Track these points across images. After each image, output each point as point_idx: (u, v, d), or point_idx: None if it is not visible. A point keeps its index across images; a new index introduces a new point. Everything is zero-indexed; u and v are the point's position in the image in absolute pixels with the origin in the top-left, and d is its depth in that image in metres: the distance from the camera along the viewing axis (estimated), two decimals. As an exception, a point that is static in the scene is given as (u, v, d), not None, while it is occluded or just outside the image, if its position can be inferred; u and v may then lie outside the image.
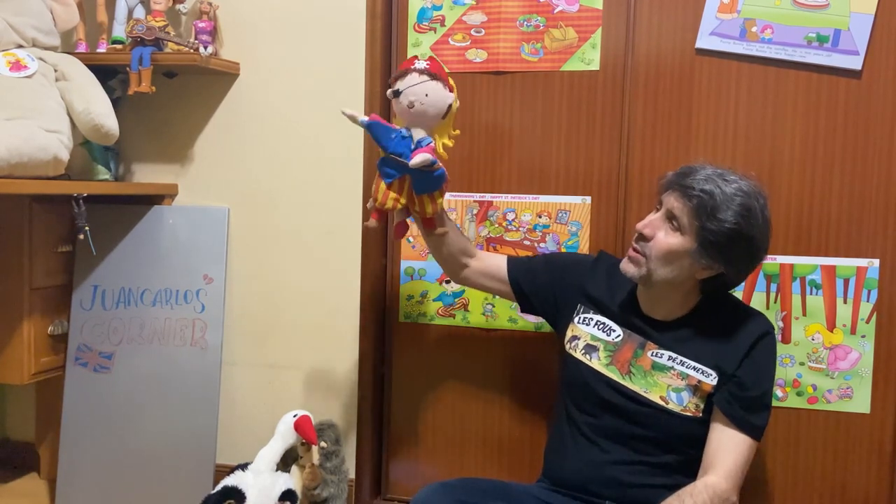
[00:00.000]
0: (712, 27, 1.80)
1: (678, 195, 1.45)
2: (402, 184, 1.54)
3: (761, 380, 1.48)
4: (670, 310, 1.54)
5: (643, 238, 1.48)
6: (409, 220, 1.70)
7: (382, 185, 1.55)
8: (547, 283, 1.69)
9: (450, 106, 1.52)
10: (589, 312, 1.62)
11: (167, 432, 2.07)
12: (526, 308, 1.76)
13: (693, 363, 1.49)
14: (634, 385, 1.52)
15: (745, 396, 1.45)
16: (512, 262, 1.74)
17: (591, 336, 1.60)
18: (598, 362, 1.57)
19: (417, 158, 1.46)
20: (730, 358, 1.47)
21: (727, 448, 1.44)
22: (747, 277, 1.55)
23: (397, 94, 1.48)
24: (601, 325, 1.60)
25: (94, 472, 2.09)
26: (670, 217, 1.46)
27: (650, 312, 1.55)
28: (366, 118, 1.53)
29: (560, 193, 1.93)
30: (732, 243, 1.41)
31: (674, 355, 1.51)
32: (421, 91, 1.46)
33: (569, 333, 1.65)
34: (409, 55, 1.99)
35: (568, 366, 1.63)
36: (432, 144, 1.51)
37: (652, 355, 1.52)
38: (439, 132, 1.56)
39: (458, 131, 1.62)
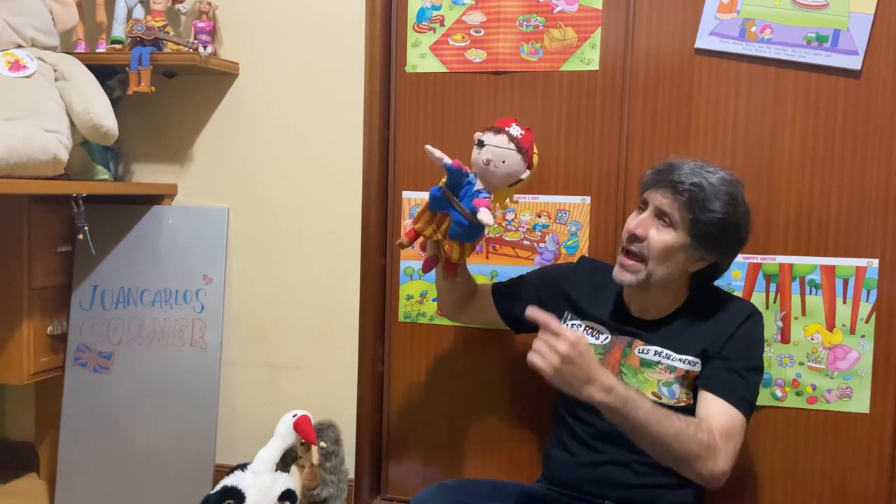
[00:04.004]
0: (712, 27, 1.80)
1: (665, 191, 1.45)
2: (443, 220, 1.54)
3: (747, 351, 1.47)
4: (662, 308, 1.54)
5: (637, 239, 1.47)
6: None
7: (426, 212, 1.55)
8: (533, 301, 1.69)
9: (521, 179, 1.52)
10: (576, 319, 1.63)
11: (167, 432, 2.07)
12: (520, 329, 1.76)
13: (679, 356, 1.49)
14: (627, 384, 1.52)
15: (729, 368, 1.45)
16: (496, 290, 1.75)
17: None
18: None
19: (485, 216, 1.45)
20: (715, 340, 1.47)
21: (711, 414, 1.40)
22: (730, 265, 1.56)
23: (481, 144, 1.48)
24: (589, 329, 1.60)
25: (93, 472, 2.09)
26: (660, 214, 1.45)
27: (640, 314, 1.56)
28: (450, 161, 1.50)
29: (559, 193, 1.93)
30: (724, 232, 1.44)
31: (659, 349, 1.51)
32: (501, 155, 1.46)
33: None
34: (409, 55, 2.00)
35: None
36: (489, 200, 1.49)
37: (638, 352, 1.53)
38: (500, 194, 1.56)
39: (518, 202, 1.62)
